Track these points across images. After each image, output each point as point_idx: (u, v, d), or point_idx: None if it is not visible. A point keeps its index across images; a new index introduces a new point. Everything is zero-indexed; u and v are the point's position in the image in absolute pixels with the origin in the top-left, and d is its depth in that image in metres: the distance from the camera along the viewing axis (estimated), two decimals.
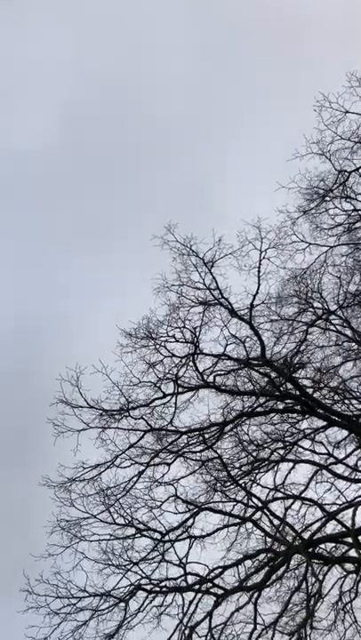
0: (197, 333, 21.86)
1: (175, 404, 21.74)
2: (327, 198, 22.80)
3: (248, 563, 20.96)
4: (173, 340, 21.67)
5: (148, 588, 20.25)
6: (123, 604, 19.94)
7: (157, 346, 21.74)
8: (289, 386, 22.00)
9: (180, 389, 21.77)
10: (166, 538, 20.80)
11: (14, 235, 35.54)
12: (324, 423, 22.12)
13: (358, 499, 21.41)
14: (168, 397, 21.69)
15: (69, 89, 37.40)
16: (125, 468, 21.02)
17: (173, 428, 21.64)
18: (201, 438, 21.80)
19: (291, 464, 22.20)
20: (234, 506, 21.61)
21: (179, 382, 21.74)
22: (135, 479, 20.99)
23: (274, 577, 20.84)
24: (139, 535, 20.65)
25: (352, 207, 22.97)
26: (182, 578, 20.56)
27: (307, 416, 22.27)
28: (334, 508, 21.50)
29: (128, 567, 20.30)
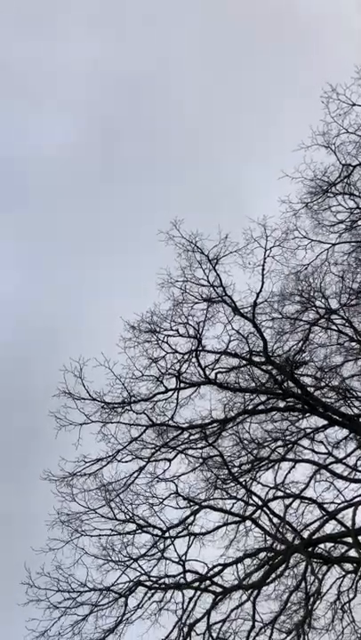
0: (200, 330, 21.84)
1: (177, 399, 21.72)
2: (330, 194, 22.84)
3: (247, 561, 20.87)
4: (177, 334, 21.62)
5: (148, 584, 20.08)
6: (122, 600, 19.77)
7: (160, 341, 21.67)
8: (290, 384, 21.99)
9: (182, 385, 21.73)
10: (166, 535, 20.65)
11: (32, 235, 35.47)
12: (325, 422, 22.10)
13: (358, 498, 21.39)
14: (170, 393, 21.64)
15: (96, 91, 37.52)
16: (126, 462, 20.91)
17: (175, 424, 21.53)
18: (202, 435, 21.71)
19: (291, 463, 22.15)
20: (234, 504, 21.54)
21: (181, 378, 21.67)
22: (136, 474, 20.86)
23: (273, 575, 20.72)
24: (139, 531, 20.53)
25: (355, 204, 23.03)
26: (182, 575, 20.42)
27: (307, 415, 22.25)
28: (334, 507, 21.46)
29: (128, 563, 20.17)
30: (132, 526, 20.41)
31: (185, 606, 20.03)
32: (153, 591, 19.91)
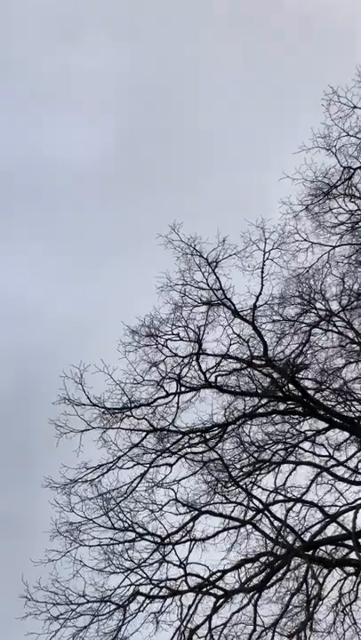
0: (201, 333, 21.77)
1: (177, 403, 21.69)
2: (331, 196, 22.71)
3: (248, 565, 20.89)
4: (177, 338, 21.56)
5: (148, 591, 20.13)
6: (122, 610, 19.81)
7: (160, 345, 21.62)
8: (291, 387, 21.95)
9: (183, 389, 21.69)
10: (166, 541, 20.67)
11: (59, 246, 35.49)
12: (326, 425, 22.08)
13: (359, 501, 21.40)
14: (170, 397, 21.61)
15: (121, 102, 37.81)
16: (128, 469, 20.91)
17: (175, 429, 21.52)
18: (203, 439, 21.70)
19: (292, 466, 22.15)
20: (234, 508, 21.54)
21: (181, 382, 21.64)
22: (137, 481, 20.88)
23: (274, 579, 20.79)
24: (139, 539, 20.53)
25: (356, 206, 22.90)
26: (183, 579, 20.47)
27: (308, 417, 22.23)
28: (335, 510, 21.47)
29: (128, 571, 20.17)
30: (131, 534, 20.42)
31: (186, 611, 20.08)
32: (152, 599, 19.92)
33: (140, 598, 19.99)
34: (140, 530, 20.46)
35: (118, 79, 37.58)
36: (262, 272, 21.99)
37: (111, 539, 20.23)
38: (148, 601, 19.87)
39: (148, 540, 20.38)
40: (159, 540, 20.48)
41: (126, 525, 20.32)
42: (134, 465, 21.02)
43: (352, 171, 22.12)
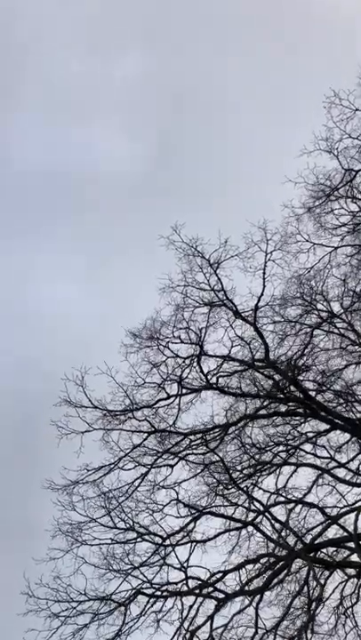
0: (202, 334, 21.73)
1: (178, 405, 21.66)
2: (333, 197, 22.70)
3: (249, 567, 20.84)
4: (178, 341, 21.52)
5: (149, 592, 20.07)
6: (123, 609, 19.75)
7: (161, 346, 21.58)
8: (292, 388, 21.89)
9: (184, 391, 21.66)
10: (167, 542, 20.62)
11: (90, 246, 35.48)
12: (327, 426, 22.03)
13: (360, 503, 21.36)
14: (172, 399, 21.57)
15: (147, 107, 38.04)
16: (129, 470, 20.84)
17: (176, 430, 21.47)
18: (203, 441, 21.65)
19: (293, 467, 22.09)
20: (235, 509, 21.45)
21: (183, 383, 21.60)
22: (138, 482, 20.83)
23: (275, 581, 20.71)
24: (140, 539, 20.49)
25: (358, 208, 22.87)
26: (183, 582, 20.40)
27: (309, 419, 22.17)
28: (336, 512, 21.42)
29: (129, 572, 20.14)
30: (132, 534, 20.38)
31: (187, 613, 20.02)
32: (154, 599, 19.86)
33: (141, 598, 19.91)
34: (142, 530, 20.41)
35: (146, 83, 37.86)
36: (264, 273, 22.00)
37: (112, 539, 20.18)
38: (149, 601, 19.78)
39: (149, 541, 20.33)
40: (160, 541, 20.42)
41: (128, 525, 20.26)
42: (135, 466, 20.99)
43: (354, 173, 22.06)
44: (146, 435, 21.19)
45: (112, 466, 20.78)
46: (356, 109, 21.68)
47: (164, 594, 20.21)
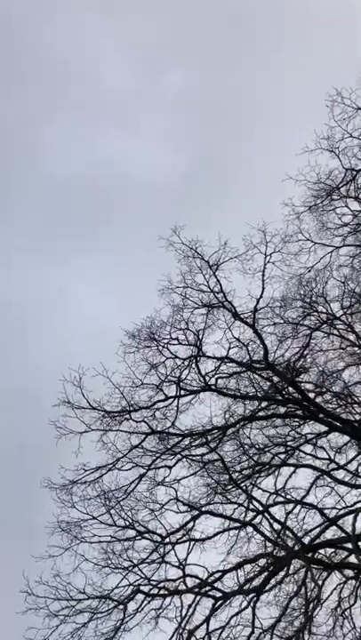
0: (201, 336, 21.85)
1: (177, 406, 21.75)
2: (334, 197, 22.68)
3: (247, 567, 20.91)
4: (177, 342, 21.64)
5: (147, 590, 20.21)
6: (121, 607, 19.91)
7: (160, 347, 21.71)
8: (291, 390, 21.94)
9: (183, 392, 21.76)
10: (166, 540, 20.74)
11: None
12: (326, 428, 22.05)
13: (359, 504, 21.35)
14: (170, 400, 21.68)
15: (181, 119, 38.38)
16: (127, 470, 20.99)
17: (175, 431, 21.59)
18: (203, 440, 21.75)
19: (292, 468, 22.14)
20: (235, 509, 21.53)
21: (181, 385, 21.71)
22: (136, 482, 20.95)
23: (273, 581, 20.78)
24: (139, 537, 20.61)
25: (360, 207, 22.83)
26: (181, 580, 20.52)
27: (308, 421, 22.20)
28: (335, 513, 21.44)
29: (128, 569, 20.27)
30: (131, 532, 20.50)
31: (185, 612, 20.12)
32: (152, 597, 20.00)
33: (140, 597, 20.04)
34: (141, 528, 20.54)
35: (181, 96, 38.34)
36: (263, 275, 22.05)
37: (112, 536, 20.31)
38: (147, 599, 19.91)
39: (148, 539, 20.45)
40: (159, 539, 20.54)
41: (127, 523, 20.40)
42: (133, 467, 21.10)
43: (355, 172, 22.02)
44: (144, 436, 21.31)
45: (110, 466, 20.93)
46: (358, 108, 21.60)
47: (163, 592, 20.31)
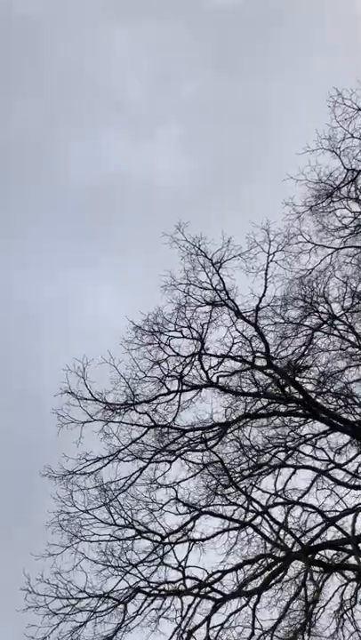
0: (203, 333, 21.72)
1: (179, 402, 21.56)
2: (335, 197, 22.85)
3: (247, 567, 20.57)
4: (180, 335, 21.49)
5: (147, 590, 19.73)
6: (121, 607, 19.42)
7: (163, 343, 21.55)
8: (292, 389, 21.86)
9: (185, 387, 21.57)
10: (166, 540, 20.33)
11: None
12: (326, 428, 21.96)
13: (359, 505, 21.19)
14: (172, 394, 21.47)
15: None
16: (127, 462, 20.64)
17: (176, 426, 21.33)
18: (202, 439, 21.52)
19: (291, 469, 21.93)
20: (234, 510, 21.24)
21: (183, 380, 21.53)
22: (136, 475, 20.62)
23: (273, 582, 20.45)
24: (138, 537, 20.21)
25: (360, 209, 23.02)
26: (181, 581, 20.09)
27: (309, 420, 22.10)
28: (334, 514, 21.23)
29: (127, 569, 19.83)
30: (131, 532, 20.11)
31: (184, 613, 19.67)
32: (152, 597, 19.54)
33: (140, 597, 19.58)
34: (141, 528, 20.14)
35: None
36: (266, 274, 22.08)
37: (111, 535, 19.90)
38: (147, 600, 19.46)
39: (148, 539, 20.04)
40: (159, 539, 20.15)
41: (127, 522, 19.98)
42: (134, 459, 20.75)
43: (356, 173, 22.26)
44: (145, 429, 21.01)
45: (111, 457, 20.57)
46: (359, 109, 21.86)
47: (163, 593, 19.86)
